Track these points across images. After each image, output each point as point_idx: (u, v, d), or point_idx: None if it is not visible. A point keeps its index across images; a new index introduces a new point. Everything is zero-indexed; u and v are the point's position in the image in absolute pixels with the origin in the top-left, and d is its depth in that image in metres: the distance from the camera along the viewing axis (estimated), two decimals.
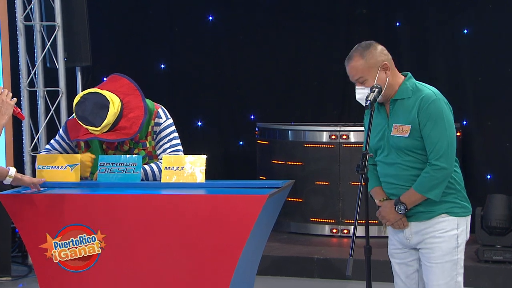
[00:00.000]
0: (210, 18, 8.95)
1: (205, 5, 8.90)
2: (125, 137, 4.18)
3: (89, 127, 4.15)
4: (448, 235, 3.77)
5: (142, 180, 4.12)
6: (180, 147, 4.32)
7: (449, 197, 3.79)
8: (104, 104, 4.14)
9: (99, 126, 4.13)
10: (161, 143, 4.32)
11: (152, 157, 4.34)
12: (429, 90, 3.79)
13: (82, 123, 4.17)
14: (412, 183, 3.75)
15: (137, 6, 8.98)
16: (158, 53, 8.87)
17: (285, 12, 8.64)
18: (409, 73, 3.87)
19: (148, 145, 4.32)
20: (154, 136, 4.32)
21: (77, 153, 4.33)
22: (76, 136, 4.24)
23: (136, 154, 4.29)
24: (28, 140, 7.27)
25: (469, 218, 3.87)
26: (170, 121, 4.36)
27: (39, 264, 3.73)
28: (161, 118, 4.33)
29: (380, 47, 3.81)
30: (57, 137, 4.43)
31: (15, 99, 3.88)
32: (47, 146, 4.42)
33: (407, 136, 3.73)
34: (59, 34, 7.13)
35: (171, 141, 4.32)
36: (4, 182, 3.87)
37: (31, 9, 7.21)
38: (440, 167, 3.68)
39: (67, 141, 4.36)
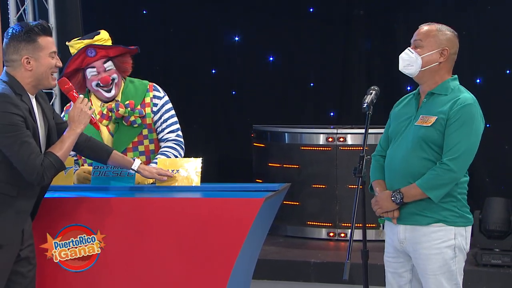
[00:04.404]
0: (206, 18, 8.90)
1: (201, 4, 8.85)
2: (120, 48, 4.43)
3: (84, 41, 4.35)
4: (444, 245, 3.66)
5: None
6: (180, 132, 4.48)
7: (447, 204, 3.68)
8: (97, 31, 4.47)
9: (93, 38, 4.36)
10: (162, 120, 4.42)
11: (152, 130, 4.40)
12: (469, 94, 3.75)
13: (78, 39, 4.39)
14: (417, 179, 3.66)
15: (131, 6, 8.93)
16: (152, 54, 8.81)
17: (283, 13, 8.61)
18: (456, 75, 3.83)
19: (146, 117, 4.39)
20: (155, 109, 4.41)
21: None
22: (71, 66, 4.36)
23: (132, 121, 4.34)
24: None
25: (469, 228, 3.76)
26: (167, 97, 4.50)
27: (39, 263, 3.74)
28: (159, 92, 4.47)
29: (455, 38, 3.78)
30: None
31: (93, 108, 3.86)
32: None
33: (429, 125, 3.66)
34: (52, 35, 7.05)
35: (174, 125, 4.46)
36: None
37: (24, 10, 7.17)
38: (449, 168, 3.60)
39: None
